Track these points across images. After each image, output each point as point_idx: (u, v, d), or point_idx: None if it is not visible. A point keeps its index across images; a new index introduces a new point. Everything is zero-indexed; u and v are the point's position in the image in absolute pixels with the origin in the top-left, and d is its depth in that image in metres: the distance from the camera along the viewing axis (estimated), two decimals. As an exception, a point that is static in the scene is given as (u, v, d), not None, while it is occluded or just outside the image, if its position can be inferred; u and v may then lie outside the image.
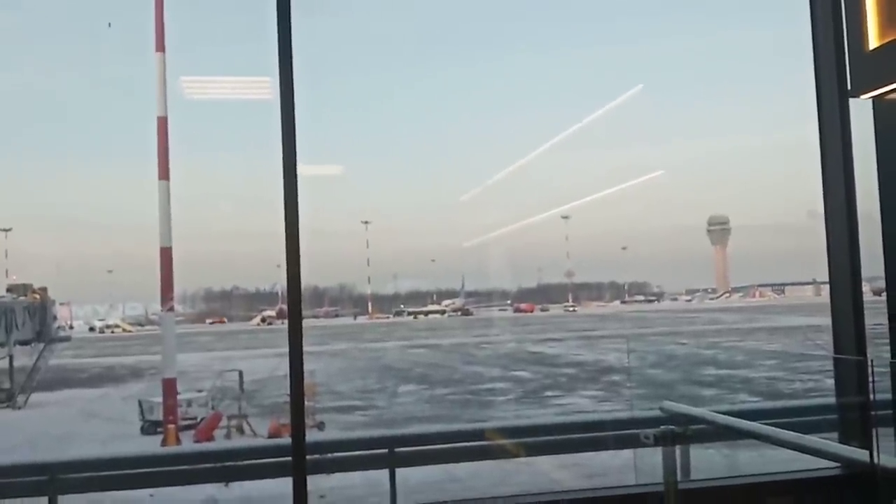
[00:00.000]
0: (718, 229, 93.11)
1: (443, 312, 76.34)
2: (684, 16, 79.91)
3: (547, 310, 78.36)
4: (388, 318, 77.46)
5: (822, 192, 4.10)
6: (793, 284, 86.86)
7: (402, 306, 79.91)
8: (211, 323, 75.51)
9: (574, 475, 12.36)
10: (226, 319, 76.38)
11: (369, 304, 79.63)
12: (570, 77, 79.91)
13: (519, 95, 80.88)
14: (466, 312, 74.98)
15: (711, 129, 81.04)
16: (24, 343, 30.19)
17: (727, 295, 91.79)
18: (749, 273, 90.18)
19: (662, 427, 3.52)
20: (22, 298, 31.15)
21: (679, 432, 3.56)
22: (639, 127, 68.00)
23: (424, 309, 77.93)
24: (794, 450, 3.84)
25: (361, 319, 76.91)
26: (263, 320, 70.03)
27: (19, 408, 28.54)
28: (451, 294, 78.90)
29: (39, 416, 26.73)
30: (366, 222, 67.88)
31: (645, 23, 77.84)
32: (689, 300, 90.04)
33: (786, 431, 4.00)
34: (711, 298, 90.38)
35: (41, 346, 30.43)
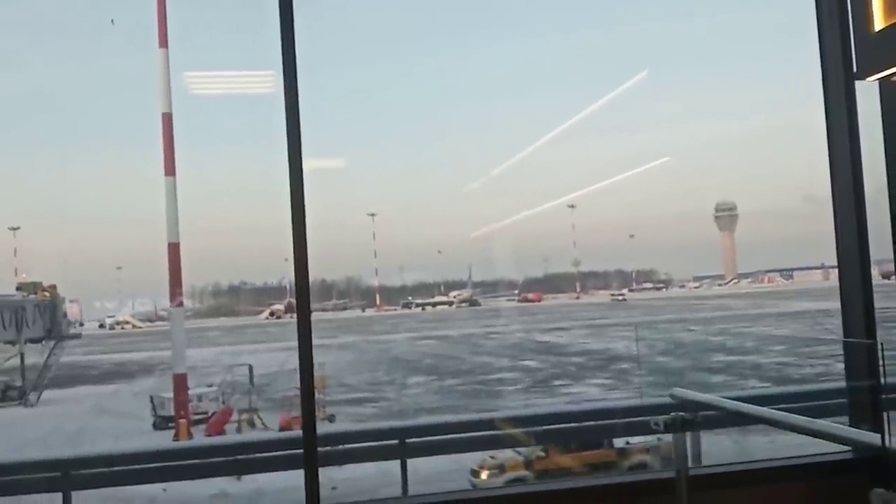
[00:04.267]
0: (726, 215, 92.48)
1: (450, 303, 76.27)
2: (686, -1, 78.94)
3: (541, 300, 78.13)
4: (395, 310, 77.44)
5: (828, 176, 4.08)
6: (801, 269, 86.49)
7: (409, 298, 79.82)
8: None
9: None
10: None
11: (377, 297, 79.66)
12: (572, 62, 79.11)
13: (522, 81, 79.98)
14: (474, 303, 74.90)
15: (717, 113, 80.00)
16: (34, 341, 30.33)
17: (735, 281, 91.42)
18: (757, 259, 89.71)
19: (672, 413, 3.51)
20: (32, 296, 31.28)
21: (689, 419, 3.55)
22: (644, 113, 67.34)
23: (432, 300, 77.84)
24: (805, 434, 3.83)
25: (369, 312, 76.97)
26: (272, 314, 70.15)
27: (31, 405, 28.71)
28: (459, 285, 78.79)
29: (52, 412, 26.87)
30: (372, 214, 67.84)
31: (645, 5, 76.95)
32: (697, 287, 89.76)
33: (796, 416, 3.99)
34: (719, 285, 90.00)
35: (52, 343, 30.59)
